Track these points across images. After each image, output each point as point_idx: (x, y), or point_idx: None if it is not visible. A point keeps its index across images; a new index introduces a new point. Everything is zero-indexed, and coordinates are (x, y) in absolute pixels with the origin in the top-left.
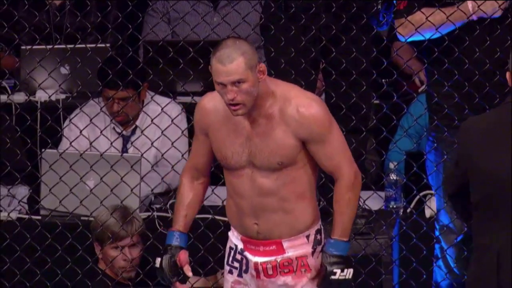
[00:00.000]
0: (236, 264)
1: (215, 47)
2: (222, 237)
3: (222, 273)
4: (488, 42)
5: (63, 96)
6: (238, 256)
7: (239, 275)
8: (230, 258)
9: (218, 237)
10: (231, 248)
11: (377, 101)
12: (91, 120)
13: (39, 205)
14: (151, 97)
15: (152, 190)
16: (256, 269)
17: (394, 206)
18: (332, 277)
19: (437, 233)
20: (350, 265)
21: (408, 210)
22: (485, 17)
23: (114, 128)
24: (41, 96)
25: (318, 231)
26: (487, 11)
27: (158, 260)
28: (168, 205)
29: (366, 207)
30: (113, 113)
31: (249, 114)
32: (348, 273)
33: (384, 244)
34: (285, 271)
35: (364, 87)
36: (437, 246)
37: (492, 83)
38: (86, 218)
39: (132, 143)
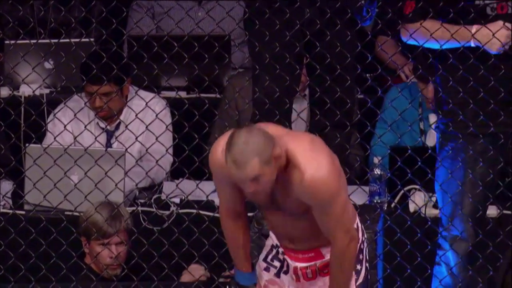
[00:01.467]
0: (277, 264)
1: (228, 143)
2: (206, 232)
3: (206, 269)
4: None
5: (47, 90)
6: (281, 256)
7: (277, 275)
8: (270, 256)
9: (203, 232)
10: (273, 246)
11: (361, 96)
12: (75, 115)
13: (23, 200)
14: (135, 92)
15: (136, 184)
16: (296, 274)
17: (378, 201)
18: None
19: (441, 240)
20: None
21: (392, 205)
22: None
23: (98, 123)
24: (25, 90)
25: (356, 229)
26: (489, 47)
27: None
28: (152, 200)
29: (351, 202)
30: (96, 108)
31: None
32: None
33: (368, 238)
34: (324, 271)
35: (349, 82)
36: (440, 252)
37: (508, 89)
38: (70, 213)
39: (116, 138)
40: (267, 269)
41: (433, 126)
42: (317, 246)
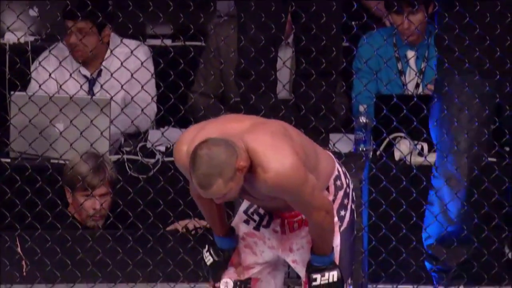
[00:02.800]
0: (256, 218)
1: (191, 163)
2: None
3: (193, 217)
4: None
5: (32, 38)
6: (262, 211)
7: (257, 228)
8: (252, 209)
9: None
10: None
11: (346, 44)
12: (60, 63)
13: (8, 148)
14: (121, 40)
15: (122, 132)
16: (282, 225)
17: (364, 149)
18: (314, 283)
19: (434, 180)
20: (332, 268)
21: (378, 153)
22: None
23: (80, 71)
24: (9, 38)
25: (337, 177)
26: None
27: (209, 257)
28: (137, 148)
29: (336, 149)
30: (71, 45)
31: None
32: (331, 276)
33: (354, 187)
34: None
35: (334, 30)
36: (431, 192)
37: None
38: (55, 161)
39: (101, 86)
40: (246, 222)
41: (411, 62)
42: None
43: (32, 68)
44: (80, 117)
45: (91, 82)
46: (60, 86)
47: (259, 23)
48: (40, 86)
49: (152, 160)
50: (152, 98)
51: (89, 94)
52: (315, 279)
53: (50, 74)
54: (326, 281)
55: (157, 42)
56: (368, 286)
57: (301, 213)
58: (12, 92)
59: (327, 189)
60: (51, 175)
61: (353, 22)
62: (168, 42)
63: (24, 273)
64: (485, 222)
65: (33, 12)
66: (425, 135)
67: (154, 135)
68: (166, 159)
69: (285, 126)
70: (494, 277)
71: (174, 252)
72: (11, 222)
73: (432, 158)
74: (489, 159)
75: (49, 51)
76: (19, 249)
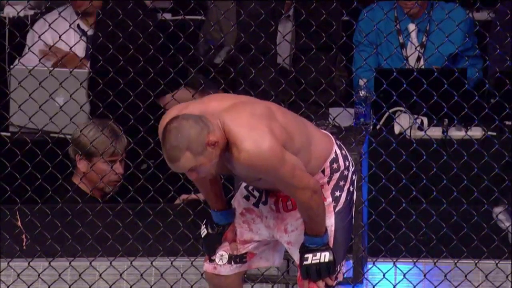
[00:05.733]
0: (256, 194)
1: (161, 138)
2: None
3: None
4: None
5: (31, 12)
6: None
7: (256, 205)
8: (252, 185)
9: None
10: None
11: (346, 18)
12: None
13: (8, 122)
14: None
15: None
16: (277, 204)
17: (364, 123)
18: (305, 262)
19: None
20: (325, 249)
21: (378, 127)
22: None
23: (78, 26)
24: (9, 12)
25: (334, 160)
26: None
27: (204, 231)
28: None
29: (336, 123)
30: None
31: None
32: (323, 256)
33: (354, 161)
34: None
35: (334, 4)
36: None
37: None
38: (55, 135)
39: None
40: (246, 197)
41: (413, 35)
42: None
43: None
44: (80, 90)
45: (90, 39)
46: (60, 37)
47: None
48: (39, 36)
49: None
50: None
51: (87, 50)
52: (306, 259)
53: (39, 37)
54: (317, 261)
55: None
56: (367, 260)
57: (286, 193)
58: (11, 66)
59: (323, 171)
60: (51, 148)
61: None
62: (168, 16)
63: (24, 247)
64: (484, 196)
65: None
66: (425, 109)
67: None
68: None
69: (270, 107)
70: (493, 251)
71: (174, 226)
72: (11, 196)
73: (431, 132)
74: (489, 133)
75: (43, 18)
76: (19, 223)
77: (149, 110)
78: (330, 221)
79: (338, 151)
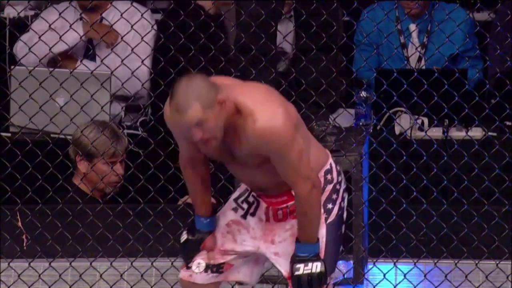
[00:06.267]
0: (245, 206)
1: (170, 93)
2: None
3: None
4: None
5: (32, 12)
6: (251, 199)
7: (243, 216)
8: (242, 198)
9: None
10: (247, 189)
11: (347, 18)
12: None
13: (8, 122)
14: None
15: (122, 108)
16: (267, 214)
17: (364, 123)
18: (296, 273)
19: None
20: (317, 260)
21: (378, 128)
22: None
23: (82, 19)
24: (9, 12)
25: (328, 171)
26: None
27: (184, 237)
28: (138, 123)
29: (336, 124)
30: None
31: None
32: (314, 266)
33: (354, 161)
34: (294, 214)
35: (335, 5)
36: None
37: None
38: (56, 136)
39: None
40: (235, 210)
41: (414, 35)
42: (288, 189)
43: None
44: (81, 91)
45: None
46: (61, 37)
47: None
48: (40, 37)
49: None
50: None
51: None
52: (298, 269)
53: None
54: (309, 271)
55: (157, 16)
56: (368, 261)
57: (287, 180)
58: (12, 66)
59: None
60: (51, 149)
61: None
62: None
63: (25, 247)
64: (485, 197)
65: None
66: (425, 110)
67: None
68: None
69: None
70: (494, 251)
71: (175, 227)
72: (12, 197)
73: (432, 132)
74: (490, 133)
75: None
76: (19, 223)
77: None
78: (322, 233)
79: (333, 164)
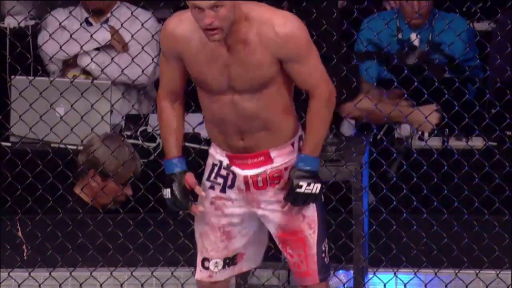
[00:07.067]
0: (220, 180)
1: None
2: (192, 164)
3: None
4: None
5: (32, 22)
6: (224, 172)
7: (222, 190)
8: (213, 174)
9: (189, 164)
10: (214, 164)
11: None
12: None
13: (9, 132)
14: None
15: (122, 117)
16: (246, 182)
17: (364, 133)
18: (298, 190)
19: None
20: (317, 180)
21: (378, 137)
22: None
23: (87, 20)
24: (10, 22)
25: (301, 137)
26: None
27: (167, 190)
28: (138, 132)
29: (337, 133)
30: None
31: (225, 41)
32: (315, 187)
33: (354, 170)
34: (275, 182)
35: (334, 14)
36: None
37: None
38: (56, 146)
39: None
40: (212, 188)
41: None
42: (267, 147)
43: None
44: (81, 100)
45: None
46: (71, 36)
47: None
48: (50, 35)
49: (153, 144)
50: (153, 59)
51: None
52: (300, 186)
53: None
54: (310, 191)
55: (158, 27)
56: (368, 270)
57: (308, 84)
58: (12, 76)
59: (292, 144)
60: (52, 159)
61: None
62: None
63: (25, 257)
64: (485, 206)
65: None
66: (425, 119)
67: (155, 119)
68: None
69: None
70: (494, 261)
71: (175, 237)
72: (12, 206)
73: (432, 142)
74: (490, 143)
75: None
76: (19, 233)
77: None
78: (312, 211)
79: (303, 133)
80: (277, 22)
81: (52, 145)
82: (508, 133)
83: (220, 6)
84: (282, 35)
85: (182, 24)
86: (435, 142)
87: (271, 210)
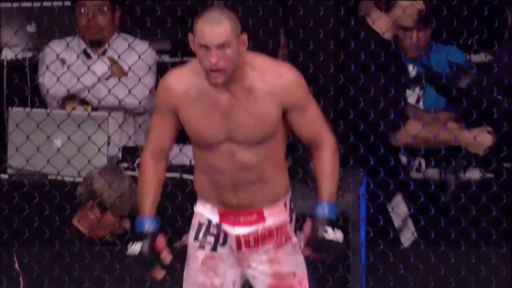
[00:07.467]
0: (210, 239)
1: (201, 13)
2: (190, 196)
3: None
4: None
5: (29, 54)
6: (214, 230)
7: (213, 249)
8: (201, 234)
9: (186, 196)
10: (201, 223)
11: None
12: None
13: (6, 164)
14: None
15: (120, 149)
16: (238, 242)
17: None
18: (325, 235)
19: None
20: (338, 227)
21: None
22: None
23: (84, 51)
24: (7, 54)
25: (291, 200)
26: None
27: (137, 247)
28: (135, 164)
29: None
30: (86, 24)
31: (227, 88)
32: (340, 235)
33: (351, 202)
34: (266, 241)
35: (331, 47)
36: None
37: None
38: (53, 178)
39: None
40: (201, 247)
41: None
42: (260, 203)
43: (40, 54)
44: (79, 132)
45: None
46: (68, 68)
47: (254, 41)
48: (47, 67)
49: None
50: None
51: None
52: (327, 232)
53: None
54: (335, 239)
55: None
56: None
57: (313, 132)
58: (9, 108)
59: (285, 204)
60: (49, 191)
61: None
62: (166, 58)
63: None
64: (483, 238)
65: (31, 28)
66: (422, 152)
67: None
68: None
69: None
70: None
71: (172, 268)
72: (9, 238)
73: (429, 174)
74: (487, 175)
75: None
76: (16, 265)
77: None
78: (301, 259)
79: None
80: (280, 71)
81: (49, 177)
82: (506, 165)
83: (227, 47)
84: (287, 82)
85: (181, 77)
86: (432, 174)
87: (261, 271)
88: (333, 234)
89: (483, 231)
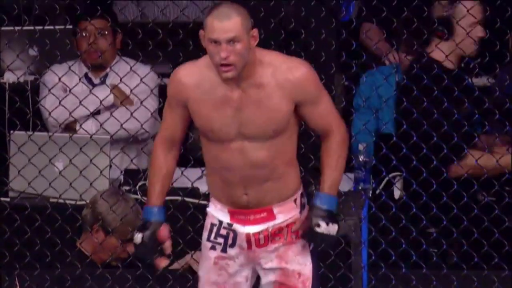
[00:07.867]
0: (220, 240)
1: (211, 8)
2: (191, 219)
3: (192, 255)
4: None
5: (31, 77)
6: (223, 231)
7: (223, 250)
8: (213, 234)
9: (188, 219)
10: (213, 224)
11: (346, 83)
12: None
13: (8, 187)
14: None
15: (121, 172)
16: (248, 241)
17: (363, 188)
18: (317, 229)
19: None
20: (335, 221)
21: (377, 192)
22: None
23: (86, 76)
24: (9, 77)
25: (302, 195)
26: None
27: (139, 236)
28: (137, 187)
29: None
30: (88, 49)
31: (238, 84)
32: (333, 228)
33: (353, 225)
34: (276, 239)
35: (334, 69)
36: None
37: None
38: (55, 200)
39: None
40: (213, 248)
41: None
42: (270, 201)
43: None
44: (80, 155)
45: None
46: (70, 90)
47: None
48: (49, 90)
49: None
50: (152, 113)
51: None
52: (319, 225)
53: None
54: (328, 232)
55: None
56: None
57: (325, 124)
58: (11, 131)
59: (295, 201)
60: (50, 214)
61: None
62: (167, 81)
63: None
64: (485, 261)
65: (33, 52)
66: (424, 174)
67: None
68: (166, 198)
69: None
70: None
71: None
72: (11, 261)
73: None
74: (489, 198)
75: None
76: None
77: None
78: (308, 260)
79: (303, 191)
80: (291, 65)
81: (51, 200)
82: (507, 188)
83: (237, 42)
84: (298, 77)
85: (192, 71)
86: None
87: (269, 267)
88: (326, 228)
89: (485, 254)
